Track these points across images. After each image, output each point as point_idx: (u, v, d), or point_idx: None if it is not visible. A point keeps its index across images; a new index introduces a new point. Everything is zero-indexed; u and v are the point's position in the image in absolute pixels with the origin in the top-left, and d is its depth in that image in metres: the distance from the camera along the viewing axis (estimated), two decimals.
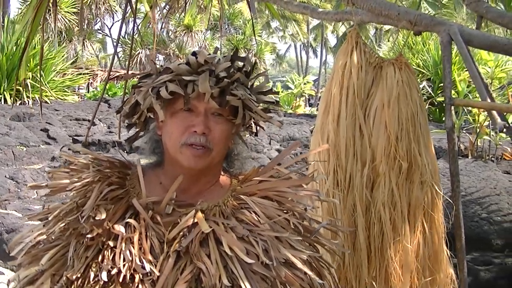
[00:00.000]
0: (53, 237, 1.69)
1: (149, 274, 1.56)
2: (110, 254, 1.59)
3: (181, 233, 1.62)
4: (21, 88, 15.44)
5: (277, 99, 1.83)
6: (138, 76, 1.81)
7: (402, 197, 2.62)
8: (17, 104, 15.70)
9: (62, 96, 18.40)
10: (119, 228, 1.61)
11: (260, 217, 1.66)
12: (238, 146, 1.85)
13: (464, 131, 9.63)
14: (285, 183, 1.75)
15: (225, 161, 1.83)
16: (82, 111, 15.09)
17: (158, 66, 1.77)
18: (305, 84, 22.58)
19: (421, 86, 13.36)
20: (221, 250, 1.59)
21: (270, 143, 11.97)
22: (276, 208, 1.70)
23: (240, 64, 1.73)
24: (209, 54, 1.74)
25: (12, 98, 15.97)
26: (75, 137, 12.16)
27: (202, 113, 1.68)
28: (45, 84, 17.16)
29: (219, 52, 1.81)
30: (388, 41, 27.78)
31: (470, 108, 8.47)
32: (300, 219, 1.71)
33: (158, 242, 1.63)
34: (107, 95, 19.70)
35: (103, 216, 1.62)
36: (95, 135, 11.97)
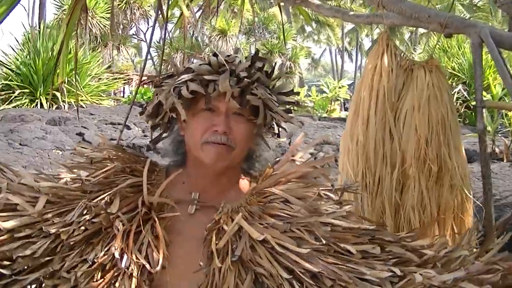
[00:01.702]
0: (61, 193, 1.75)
1: (126, 270, 1.60)
2: (103, 241, 1.65)
3: (230, 241, 1.65)
4: (57, 93, 15.59)
5: (299, 100, 1.84)
6: (160, 77, 1.83)
7: (431, 200, 2.59)
8: (53, 109, 15.68)
9: (97, 100, 18.40)
10: (118, 223, 1.65)
11: (292, 202, 1.69)
12: (259, 148, 1.85)
13: (499, 135, 9.48)
14: (303, 166, 1.78)
15: (245, 163, 1.84)
16: (117, 115, 15.03)
17: (179, 67, 1.80)
18: (339, 88, 22.50)
19: (456, 89, 13.23)
20: (268, 248, 1.61)
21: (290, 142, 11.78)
22: (303, 187, 1.74)
23: (261, 64, 1.75)
24: (230, 54, 1.75)
25: (48, 103, 16.17)
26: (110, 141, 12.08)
27: (223, 112, 1.69)
28: (81, 88, 17.18)
29: (241, 53, 1.83)
30: (422, 44, 27.50)
31: (506, 112, 8.35)
32: (328, 189, 1.76)
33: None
34: (142, 100, 19.69)
35: (115, 209, 1.67)
36: (130, 139, 11.93)
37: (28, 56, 17.43)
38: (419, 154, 2.59)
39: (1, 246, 1.66)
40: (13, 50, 18.25)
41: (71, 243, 1.66)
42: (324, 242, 1.61)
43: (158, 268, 1.63)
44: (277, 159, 1.88)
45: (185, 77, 1.72)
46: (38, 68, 16.95)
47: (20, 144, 11.17)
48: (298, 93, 1.87)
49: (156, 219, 1.70)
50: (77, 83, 15.92)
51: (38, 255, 1.66)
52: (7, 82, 17.28)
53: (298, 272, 1.57)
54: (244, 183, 1.83)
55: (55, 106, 16.03)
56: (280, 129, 1.85)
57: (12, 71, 17.57)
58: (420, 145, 2.59)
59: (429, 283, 1.58)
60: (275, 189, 1.73)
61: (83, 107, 15.95)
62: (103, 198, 1.71)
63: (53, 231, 1.66)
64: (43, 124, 13.02)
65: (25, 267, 1.67)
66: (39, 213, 1.70)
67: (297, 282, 1.57)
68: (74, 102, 15.96)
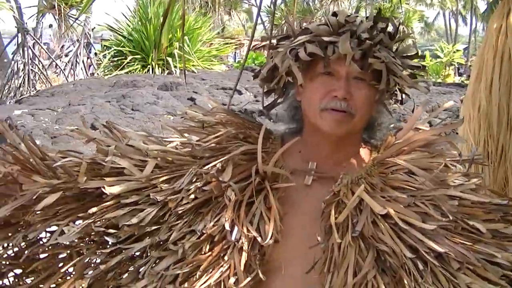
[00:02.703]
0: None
1: (236, 243, 1.55)
2: (213, 211, 1.61)
3: (350, 215, 1.55)
4: (168, 58, 15.81)
5: (424, 65, 1.73)
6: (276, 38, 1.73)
7: None
8: (165, 74, 16.01)
9: (208, 65, 18.60)
10: (230, 192, 1.59)
11: (417, 173, 1.59)
12: (381, 115, 1.74)
13: None
14: (427, 133, 1.67)
15: (366, 131, 1.74)
16: (228, 80, 15.14)
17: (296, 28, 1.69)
18: (454, 52, 21.98)
19: None
20: (391, 223, 1.53)
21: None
22: (428, 157, 1.63)
23: (383, 25, 1.63)
24: (350, 14, 1.63)
25: (160, 68, 16.40)
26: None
27: (343, 77, 1.60)
28: (192, 54, 17.37)
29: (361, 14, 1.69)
30: None
31: None
32: (455, 159, 1.64)
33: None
34: (253, 64, 19.68)
35: (227, 178, 1.61)
36: (241, 104, 11.93)
37: (139, 23, 17.85)
38: None
39: (106, 213, 1.65)
40: (125, 17, 18.81)
41: (180, 212, 1.61)
42: (451, 218, 1.51)
43: (271, 241, 1.55)
44: (399, 126, 1.76)
45: (302, 38, 1.61)
46: (150, 34, 17.29)
47: (132, 109, 11.51)
48: (423, 57, 1.76)
49: (269, 189, 1.62)
50: (188, 48, 16.08)
51: (144, 224, 1.63)
52: (119, 48, 17.86)
53: (423, 252, 1.48)
54: (365, 153, 1.73)
55: (166, 72, 16.37)
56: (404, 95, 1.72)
57: (124, 37, 18.12)
58: None
59: None
60: (398, 159, 1.63)
61: (194, 72, 16.23)
62: (215, 165, 1.64)
63: (160, 198, 1.62)
64: (154, 89, 13.24)
65: (131, 236, 1.65)
66: (147, 178, 1.67)
67: (421, 262, 1.48)
68: (185, 67, 16.21)
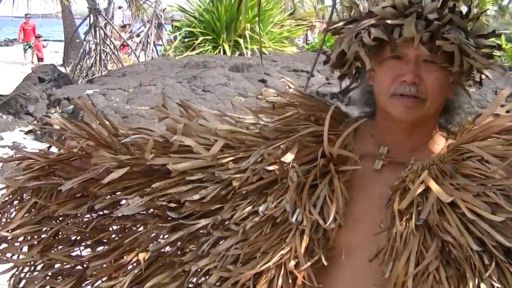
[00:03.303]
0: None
1: (298, 225, 1.55)
2: (276, 192, 1.61)
3: (415, 202, 1.51)
4: (240, 39, 15.82)
5: (500, 43, 1.55)
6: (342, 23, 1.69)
7: None
8: (236, 55, 16.00)
9: (280, 47, 18.47)
10: (293, 173, 1.58)
11: (490, 161, 1.51)
12: (459, 98, 1.69)
13: None
14: (506, 119, 1.59)
15: (443, 116, 1.70)
16: (300, 63, 14.94)
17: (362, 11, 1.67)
18: None
19: None
20: (458, 213, 1.48)
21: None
22: (504, 144, 1.55)
23: (452, 3, 1.56)
24: None
25: (231, 49, 16.34)
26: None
27: (412, 60, 1.56)
28: (263, 35, 17.27)
29: None
30: None
31: None
32: None
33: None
34: (325, 47, 19.44)
35: (289, 159, 1.59)
36: (313, 87, 11.71)
37: (211, 3, 17.83)
38: None
39: (170, 188, 1.70)
40: None
41: (244, 191, 1.64)
42: None
43: (333, 225, 1.55)
44: (479, 113, 1.69)
45: (366, 22, 1.58)
46: (221, 15, 17.28)
47: (203, 90, 11.57)
48: (499, 35, 1.66)
49: (334, 172, 1.60)
50: (260, 30, 16.21)
51: (206, 201, 1.67)
52: (190, 29, 17.95)
53: (490, 245, 1.43)
54: (440, 139, 1.68)
55: (237, 53, 16.35)
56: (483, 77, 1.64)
57: (195, 18, 18.19)
58: None
59: None
60: (471, 146, 1.57)
61: (266, 54, 16.15)
62: (279, 146, 1.65)
63: (225, 176, 1.66)
64: (225, 70, 13.20)
65: (194, 212, 1.70)
66: (214, 156, 1.69)
67: (487, 256, 1.44)
68: (257, 48, 16.18)
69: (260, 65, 13.23)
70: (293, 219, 1.54)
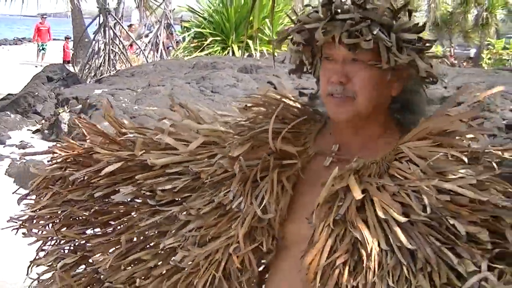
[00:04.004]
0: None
1: (241, 213, 1.71)
2: (229, 184, 1.76)
3: (337, 196, 1.57)
4: (249, 41, 15.80)
5: (431, 39, 1.63)
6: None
7: None
8: (245, 56, 15.90)
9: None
10: (236, 167, 1.73)
11: (414, 162, 1.55)
12: (414, 97, 1.72)
13: None
14: (446, 120, 1.60)
15: (398, 113, 1.74)
16: None
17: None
18: None
19: None
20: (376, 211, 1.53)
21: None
22: (431, 145, 1.57)
23: (361, 1, 1.59)
24: None
25: (240, 51, 16.28)
26: (301, 90, 11.78)
27: (339, 61, 1.63)
28: (273, 37, 17.10)
29: None
30: None
31: None
32: (463, 150, 1.54)
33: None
34: None
35: (236, 153, 1.74)
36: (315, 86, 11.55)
37: (220, 4, 17.79)
38: None
39: (151, 179, 1.92)
40: None
41: (210, 183, 1.81)
42: (428, 212, 1.46)
43: (271, 216, 1.67)
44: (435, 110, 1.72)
45: (295, 28, 1.69)
46: (230, 16, 17.24)
47: (212, 91, 11.59)
48: (423, 27, 1.62)
49: (277, 167, 1.71)
50: (269, 31, 16.05)
51: (177, 190, 1.88)
52: (199, 29, 17.89)
53: (393, 245, 1.46)
54: (394, 138, 1.69)
55: (246, 54, 16.26)
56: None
57: (205, 19, 18.12)
58: None
59: None
60: (404, 146, 1.60)
61: (275, 55, 15.90)
62: (233, 142, 1.80)
63: (195, 170, 1.84)
64: (234, 71, 13.14)
65: (174, 201, 1.91)
66: (192, 153, 1.89)
67: (390, 256, 1.47)
68: (267, 50, 16.03)
69: (269, 66, 13.18)
70: (233, 206, 1.72)
